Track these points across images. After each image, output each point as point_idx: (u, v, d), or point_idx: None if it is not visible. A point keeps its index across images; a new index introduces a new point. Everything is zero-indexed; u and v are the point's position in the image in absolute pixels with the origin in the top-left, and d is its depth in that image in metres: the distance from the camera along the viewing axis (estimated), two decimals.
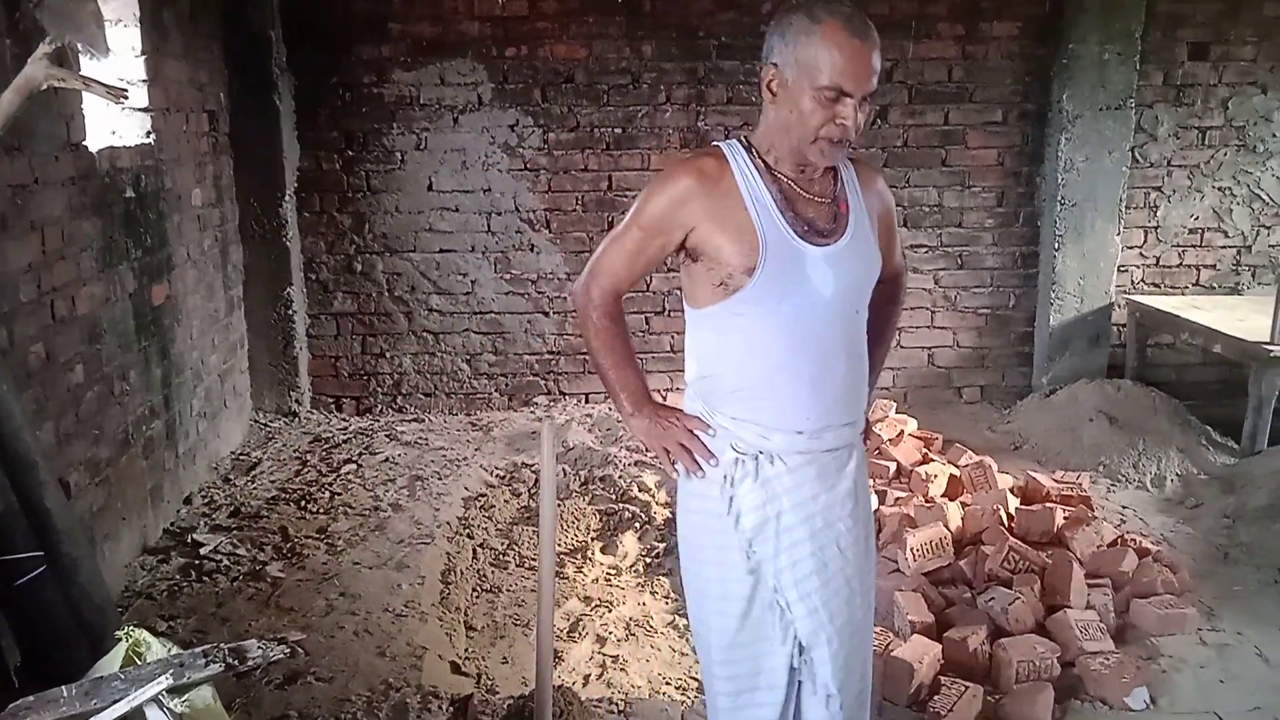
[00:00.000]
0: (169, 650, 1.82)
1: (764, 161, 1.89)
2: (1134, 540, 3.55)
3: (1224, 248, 5.36)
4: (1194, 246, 5.35)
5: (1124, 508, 4.08)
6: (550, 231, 5.07)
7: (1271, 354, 4.18)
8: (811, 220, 1.87)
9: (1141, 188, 5.23)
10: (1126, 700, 2.71)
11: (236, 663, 1.68)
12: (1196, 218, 5.30)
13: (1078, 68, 4.90)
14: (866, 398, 2.03)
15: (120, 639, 1.90)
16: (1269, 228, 5.33)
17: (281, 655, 1.91)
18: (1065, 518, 3.58)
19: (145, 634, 1.86)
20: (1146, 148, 5.18)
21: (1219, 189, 5.26)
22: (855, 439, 1.99)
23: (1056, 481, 3.94)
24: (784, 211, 1.85)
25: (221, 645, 1.69)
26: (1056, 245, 5.09)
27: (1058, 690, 2.73)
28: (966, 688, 2.69)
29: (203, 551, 3.45)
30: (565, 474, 4.27)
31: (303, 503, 3.92)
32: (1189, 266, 5.37)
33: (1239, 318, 4.62)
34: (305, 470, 4.28)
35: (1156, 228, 5.30)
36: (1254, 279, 5.38)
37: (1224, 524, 3.86)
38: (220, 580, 3.27)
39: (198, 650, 1.72)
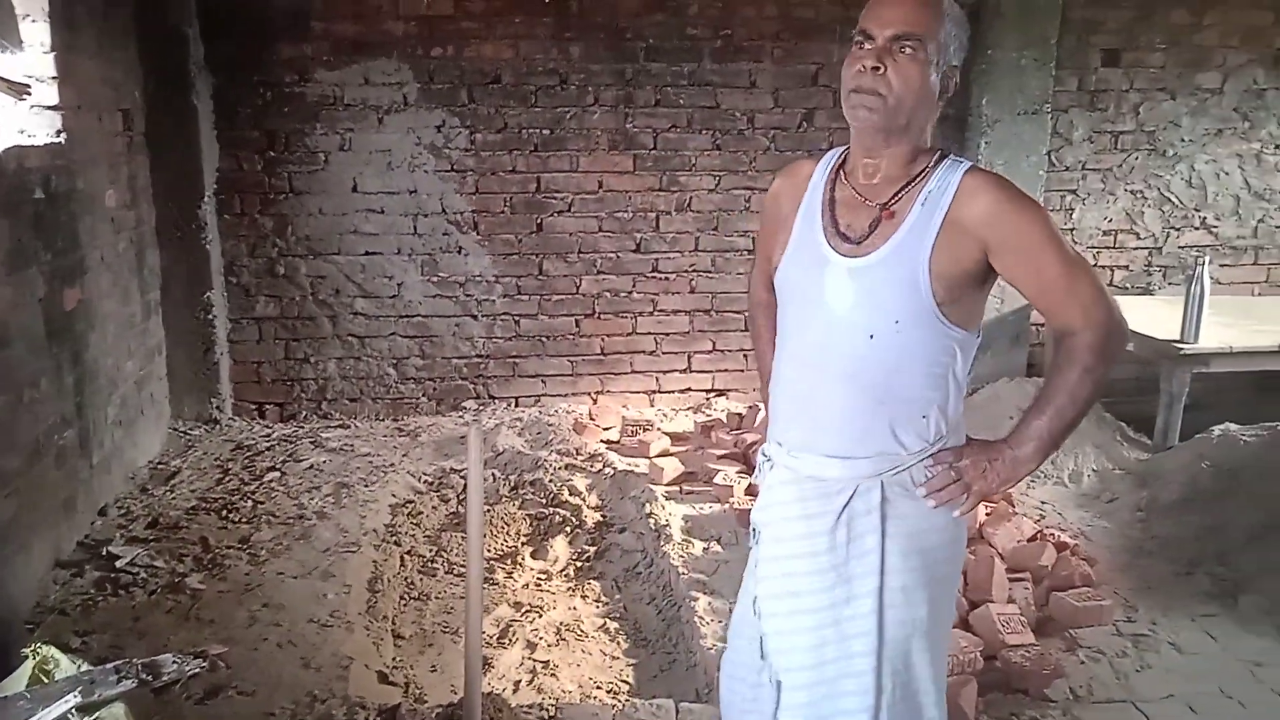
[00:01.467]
0: (79, 667, 1.76)
1: (842, 161, 1.84)
2: (1053, 535, 3.64)
3: (1136, 249, 5.53)
4: (1108, 248, 5.51)
5: (1043, 503, 4.18)
6: (478, 233, 5.02)
7: (1181, 352, 4.32)
8: (849, 225, 1.76)
9: (1058, 190, 5.37)
10: (1047, 692, 2.78)
11: (150, 678, 1.63)
12: (1110, 220, 5.46)
13: (996, 73, 5.02)
14: (899, 439, 1.77)
15: (26, 656, 1.83)
16: (1178, 230, 5.52)
17: (199, 669, 1.85)
18: (987, 514, 3.66)
19: (53, 650, 1.80)
20: (1062, 151, 5.32)
21: (1131, 192, 5.43)
22: (865, 481, 1.78)
23: None
24: (824, 213, 1.80)
25: (134, 660, 1.63)
26: None
27: (981, 684, 2.78)
28: None
29: (119, 564, 3.34)
30: (495, 479, 4.24)
31: (224, 512, 3.83)
32: (1103, 267, 5.53)
33: (1151, 317, 4.76)
34: (227, 479, 4.18)
35: (1072, 230, 5.45)
36: (1165, 279, 5.56)
37: (1138, 518, 3.98)
38: (137, 593, 3.17)
39: (109, 666, 1.66)
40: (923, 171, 1.74)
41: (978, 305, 1.78)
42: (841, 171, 1.82)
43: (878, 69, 1.66)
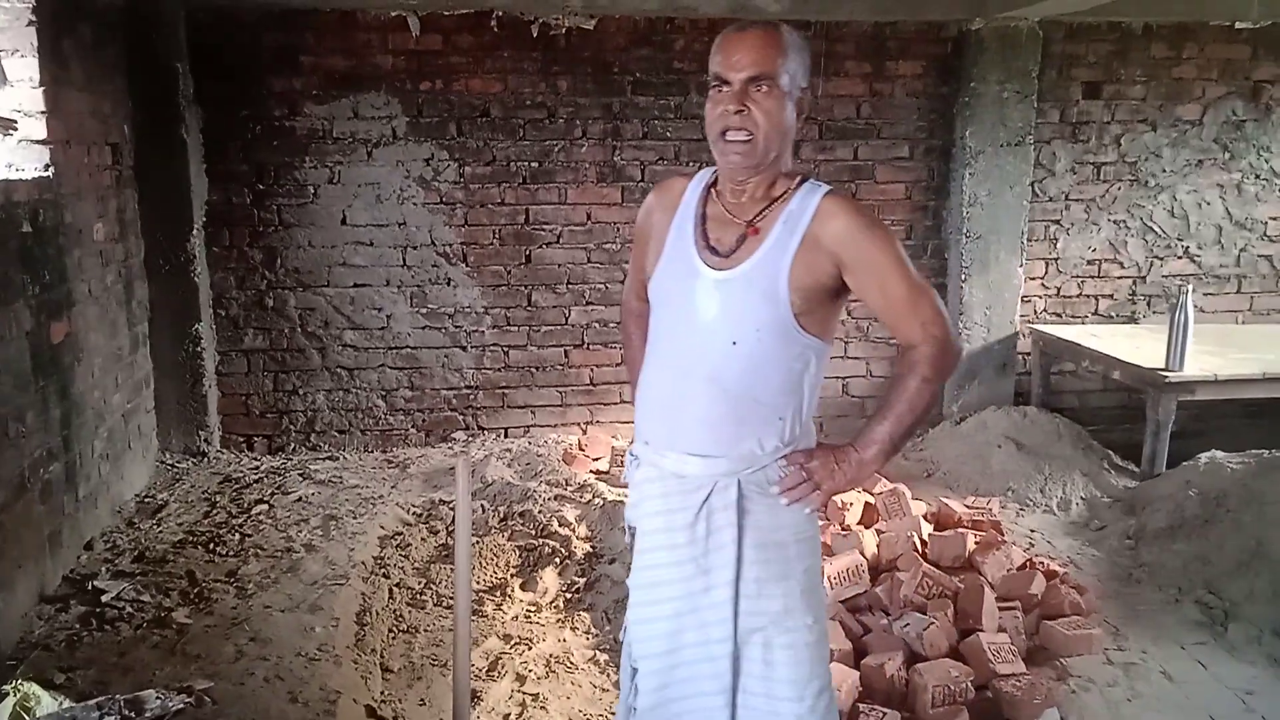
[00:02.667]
0: (60, 704, 1.74)
1: (714, 180, 1.98)
2: (1042, 563, 3.64)
3: (1120, 278, 5.58)
4: (1092, 277, 5.56)
5: (1032, 531, 4.19)
6: (467, 265, 5.04)
7: (1167, 380, 4.35)
8: (717, 240, 1.90)
9: (1042, 221, 5.42)
10: None
11: (133, 714, 1.62)
12: (1094, 250, 5.51)
13: (979, 105, 5.08)
14: (755, 440, 1.90)
15: (7, 693, 1.81)
16: (1161, 259, 5.57)
17: (182, 705, 1.84)
18: (976, 543, 3.67)
19: (35, 687, 1.78)
20: (1045, 182, 5.38)
21: (1114, 222, 5.49)
22: (723, 479, 1.91)
23: (968, 507, 4.03)
24: (697, 228, 1.93)
25: (117, 696, 1.62)
26: (963, 277, 5.25)
27: (973, 713, 2.78)
28: (885, 714, 2.72)
29: (104, 599, 3.31)
30: (484, 510, 4.22)
31: (211, 545, 3.80)
32: (1088, 296, 5.58)
33: (1136, 345, 4.80)
34: (214, 512, 4.16)
35: (1057, 259, 5.50)
36: (1149, 308, 5.61)
37: (1127, 545, 3.99)
38: (123, 628, 3.14)
39: (91, 703, 1.65)
40: (785, 193, 1.89)
41: (831, 317, 1.93)
42: (713, 190, 1.97)
43: (741, 111, 1.80)
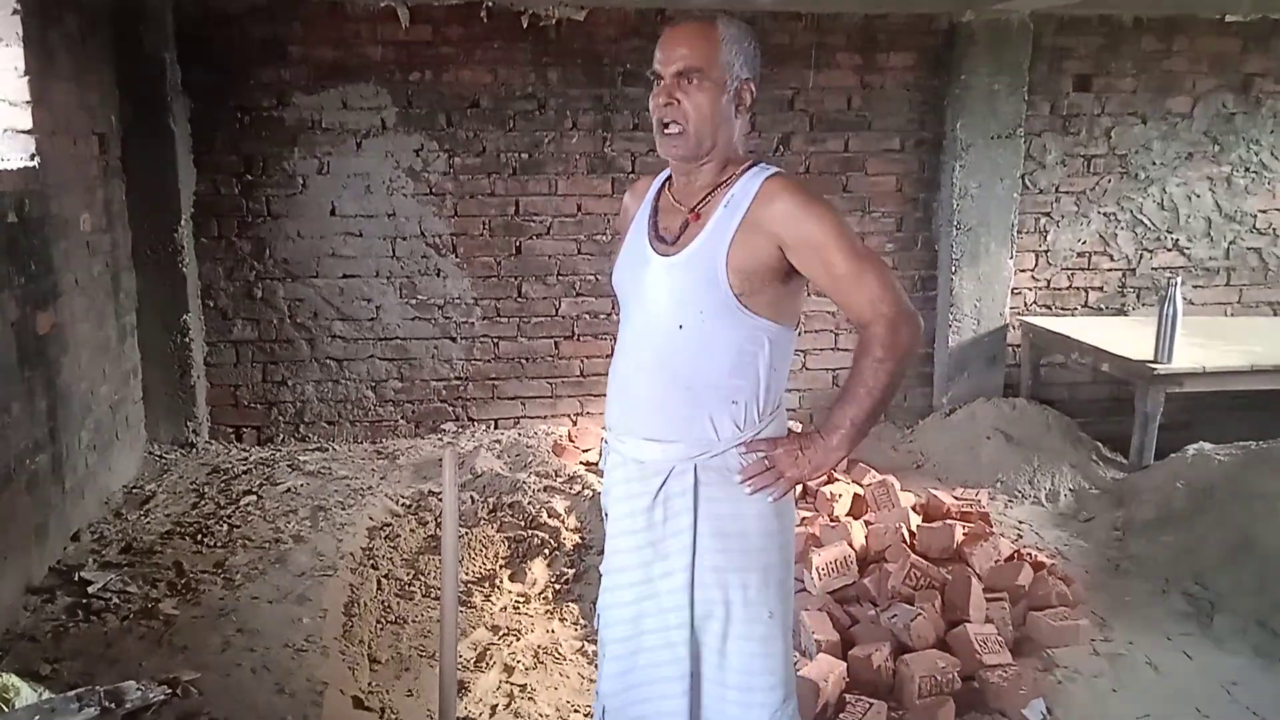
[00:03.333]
0: (40, 694, 1.73)
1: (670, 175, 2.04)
2: (1030, 554, 3.66)
3: (1110, 270, 5.59)
4: (1082, 269, 5.57)
5: (1020, 522, 4.20)
6: (457, 256, 5.03)
7: (1156, 372, 4.36)
8: (666, 229, 1.96)
9: (1032, 213, 5.43)
10: (1024, 712, 2.78)
11: (113, 705, 1.61)
12: (1084, 242, 5.52)
13: (969, 98, 5.08)
14: (707, 424, 1.90)
15: None
16: (1151, 251, 5.58)
17: (163, 696, 1.83)
18: (965, 534, 3.67)
19: (14, 678, 1.77)
20: (1036, 175, 5.38)
21: (1104, 214, 5.49)
22: (680, 464, 1.91)
23: (956, 499, 4.04)
24: (650, 219, 2.00)
25: (97, 687, 1.61)
26: (953, 269, 5.25)
27: (959, 703, 2.79)
28: (871, 704, 2.73)
29: (91, 590, 3.30)
30: (473, 501, 4.22)
31: (199, 536, 3.79)
32: (1078, 289, 5.59)
33: (1125, 337, 4.81)
34: (202, 503, 4.15)
35: (1047, 252, 5.50)
36: (1139, 300, 5.62)
37: (1114, 537, 4.00)
38: (109, 620, 3.13)
39: (70, 694, 1.64)
40: (729, 178, 1.92)
41: (784, 299, 1.90)
42: (668, 183, 2.04)
43: (671, 103, 1.87)
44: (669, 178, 2.05)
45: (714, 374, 1.89)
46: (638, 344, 1.97)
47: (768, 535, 1.95)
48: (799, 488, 2.01)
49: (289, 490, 4.31)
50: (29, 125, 3.52)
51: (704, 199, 1.92)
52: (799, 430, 2.02)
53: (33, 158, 3.53)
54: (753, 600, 1.94)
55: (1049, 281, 5.55)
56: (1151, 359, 4.39)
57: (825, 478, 3.94)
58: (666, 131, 1.89)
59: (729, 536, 1.93)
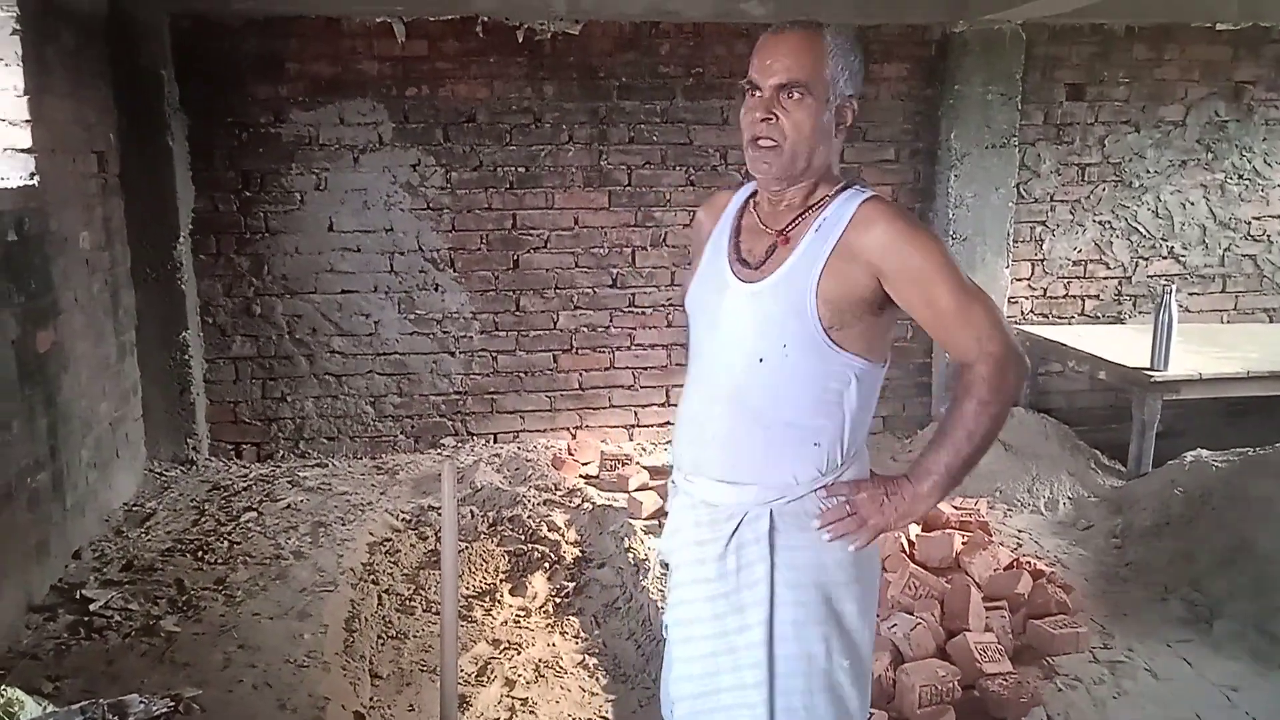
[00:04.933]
0: (44, 709, 1.74)
1: (755, 192, 1.90)
2: (1029, 563, 3.66)
3: (1106, 279, 5.61)
4: (1078, 278, 5.59)
5: (1020, 531, 4.21)
6: (455, 271, 5.04)
7: (1152, 379, 4.37)
8: (750, 251, 1.81)
9: (1027, 222, 5.45)
10: None
11: (116, 718, 1.61)
12: (1080, 250, 5.54)
13: (963, 107, 5.11)
14: (785, 466, 1.76)
15: None
16: (1146, 259, 5.60)
17: (166, 709, 1.84)
18: (963, 543, 3.68)
19: (19, 693, 1.78)
20: (1031, 184, 5.40)
21: (1099, 222, 5.52)
22: (755, 508, 1.77)
23: (955, 508, 4.04)
24: (731, 240, 1.85)
25: (100, 701, 1.62)
26: None
27: (960, 713, 2.79)
28: (872, 714, 2.72)
29: (92, 608, 3.31)
30: (473, 515, 4.23)
31: (200, 553, 3.80)
32: (1074, 297, 5.61)
33: (1122, 345, 4.83)
34: (203, 520, 4.15)
35: (1043, 260, 5.52)
36: (1135, 308, 5.64)
37: (1113, 544, 4.01)
38: (111, 637, 3.14)
39: (74, 708, 1.65)
40: (821, 200, 1.77)
41: (876, 333, 1.76)
42: (752, 201, 1.88)
43: (768, 119, 1.72)
44: (752, 194, 1.89)
45: (795, 413, 1.74)
46: (713, 377, 1.81)
47: (850, 585, 1.80)
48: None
49: (289, 506, 4.31)
50: (28, 144, 3.54)
51: (794, 221, 1.77)
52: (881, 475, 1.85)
53: (32, 176, 3.55)
54: (835, 652, 1.79)
55: (1045, 290, 5.57)
56: (1148, 366, 4.41)
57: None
58: (760, 145, 1.73)
59: (808, 588, 1.77)
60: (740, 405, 1.77)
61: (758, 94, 1.73)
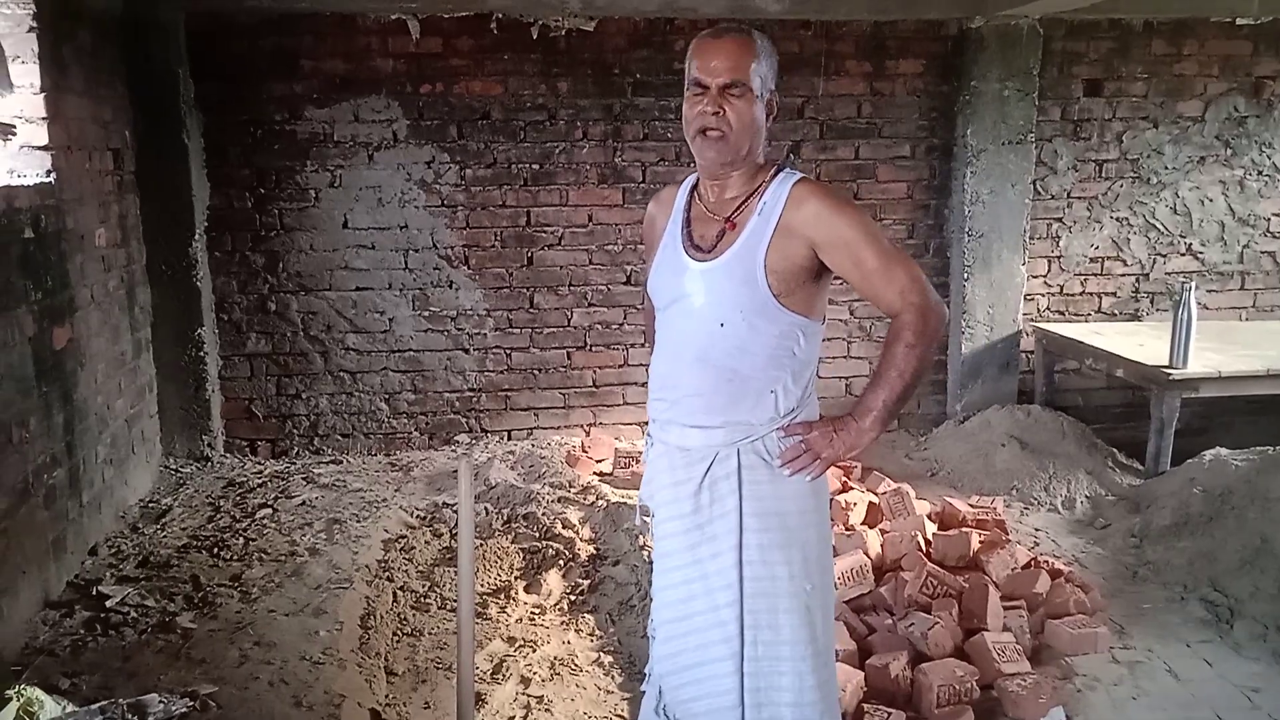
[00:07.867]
0: (63, 708, 1.75)
1: (696, 184, 2.17)
2: (1047, 562, 3.64)
3: (1123, 276, 5.57)
4: (1095, 275, 5.55)
5: (1037, 530, 4.18)
6: (469, 268, 5.04)
7: (1171, 377, 4.34)
8: (701, 237, 2.08)
9: (1044, 219, 5.41)
10: None
11: (135, 718, 1.61)
12: (1097, 247, 5.50)
13: (980, 104, 5.07)
14: (747, 411, 2.04)
15: (11, 698, 1.81)
16: (1164, 256, 5.56)
17: (185, 709, 1.84)
18: (981, 542, 3.66)
19: (38, 692, 1.78)
20: (1047, 180, 5.37)
21: (1117, 219, 5.48)
22: (723, 449, 2.05)
23: (972, 506, 4.02)
24: (684, 227, 2.12)
25: (119, 700, 1.62)
26: (965, 275, 5.24)
27: (978, 712, 2.77)
28: (889, 714, 2.72)
29: (109, 604, 3.31)
30: (487, 512, 4.22)
31: (215, 550, 3.80)
32: (1091, 294, 5.57)
33: (1139, 343, 4.79)
34: (218, 516, 4.16)
35: (1059, 257, 5.49)
36: (1153, 305, 5.60)
37: (1132, 543, 3.98)
38: (127, 633, 3.14)
39: (94, 707, 1.65)
40: (759, 185, 2.05)
41: (815, 295, 2.05)
42: (695, 193, 2.15)
43: (717, 113, 1.98)
44: (694, 187, 2.16)
45: (753, 365, 2.03)
46: (680, 341, 2.09)
47: (806, 514, 2.08)
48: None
49: (304, 503, 4.32)
50: (45, 141, 3.55)
51: (738, 208, 2.05)
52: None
53: (49, 173, 3.56)
54: (796, 575, 2.05)
55: (1062, 287, 5.53)
56: (1166, 364, 4.37)
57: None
58: (708, 136, 1.99)
59: (770, 516, 2.05)
60: (705, 363, 2.05)
61: (704, 92, 1.99)
